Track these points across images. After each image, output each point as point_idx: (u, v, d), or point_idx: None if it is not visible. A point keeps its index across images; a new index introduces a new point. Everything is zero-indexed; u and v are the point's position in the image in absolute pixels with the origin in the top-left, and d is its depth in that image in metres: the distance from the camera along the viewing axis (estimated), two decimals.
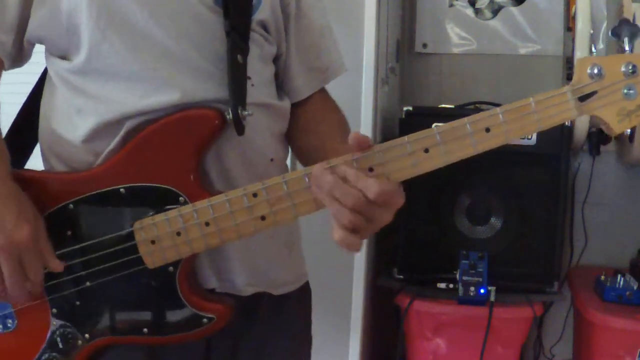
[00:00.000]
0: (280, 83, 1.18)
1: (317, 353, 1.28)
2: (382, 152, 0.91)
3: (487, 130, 0.90)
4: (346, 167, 0.90)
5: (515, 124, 0.90)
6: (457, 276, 1.98)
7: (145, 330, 1.02)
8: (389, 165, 0.91)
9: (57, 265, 1.00)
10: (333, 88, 1.23)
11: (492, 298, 1.96)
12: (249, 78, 1.06)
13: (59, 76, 1.07)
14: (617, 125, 0.89)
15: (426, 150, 0.91)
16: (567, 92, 0.90)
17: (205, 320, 1.01)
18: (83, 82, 1.03)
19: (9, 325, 1.04)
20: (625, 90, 0.89)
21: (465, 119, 0.91)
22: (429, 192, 2.10)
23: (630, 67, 0.89)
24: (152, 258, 0.99)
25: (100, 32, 1.01)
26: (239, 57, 1.04)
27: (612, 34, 0.97)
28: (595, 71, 0.89)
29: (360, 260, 2.08)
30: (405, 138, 0.92)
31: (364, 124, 2.06)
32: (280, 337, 1.15)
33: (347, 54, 1.25)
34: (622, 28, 0.98)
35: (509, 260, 2.07)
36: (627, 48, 0.98)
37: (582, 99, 0.90)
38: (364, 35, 2.06)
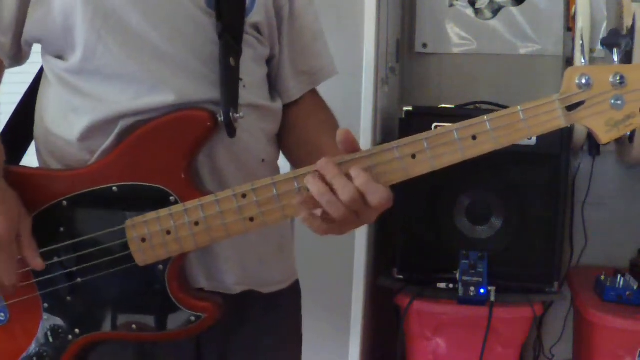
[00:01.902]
0: (273, 84, 1.19)
1: (317, 353, 1.28)
2: (369, 156, 0.93)
3: (474, 137, 0.92)
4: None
5: (503, 132, 0.91)
6: (457, 276, 1.98)
7: (134, 326, 1.03)
8: (376, 169, 0.93)
9: (38, 265, 1.00)
10: (333, 88, 1.24)
11: (492, 298, 1.96)
12: (241, 79, 1.06)
13: (54, 75, 1.07)
14: (605, 135, 0.90)
15: (413, 156, 0.92)
16: (555, 101, 0.91)
17: (193, 318, 1.02)
18: (78, 81, 1.04)
19: (0, 318, 1.05)
20: (613, 101, 0.90)
21: (453, 126, 0.92)
22: (429, 192, 2.11)
23: (618, 78, 0.89)
24: (142, 256, 1.00)
25: (95, 33, 1.02)
26: (232, 59, 1.04)
27: (602, 44, 0.98)
28: (584, 81, 0.90)
29: (360, 260, 2.08)
30: (393, 143, 0.93)
31: (363, 124, 2.06)
32: (270, 335, 1.16)
33: (347, 54, 1.25)
34: (612, 38, 0.99)
35: (509, 260, 2.07)
36: (615, 59, 0.99)
37: (571, 108, 0.91)
38: (364, 35, 2.05)
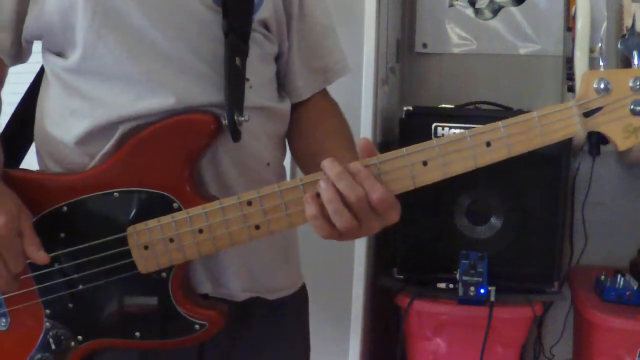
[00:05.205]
0: (282, 82, 1.16)
1: (317, 353, 1.28)
2: (379, 164, 0.90)
3: (488, 144, 0.89)
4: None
5: (518, 138, 0.88)
6: (457, 276, 1.98)
7: (137, 334, 1.01)
8: (386, 177, 0.90)
9: (42, 258, 0.97)
10: (333, 88, 1.23)
11: (492, 298, 1.96)
12: (248, 80, 1.03)
13: (54, 74, 1.05)
14: (623, 142, 0.87)
15: (424, 163, 0.90)
16: (572, 107, 0.87)
17: (197, 326, 1.00)
18: (77, 82, 1.02)
19: (2, 324, 1.04)
20: (633, 106, 0.86)
21: (466, 132, 0.89)
22: (429, 192, 2.09)
23: (638, 83, 0.86)
24: (144, 263, 0.98)
25: (94, 31, 0.99)
26: (237, 59, 1.01)
27: (620, 46, 0.95)
28: (602, 86, 0.87)
29: (360, 260, 2.08)
30: (404, 150, 0.90)
31: (364, 124, 2.06)
32: (275, 342, 1.14)
33: (347, 54, 1.24)
34: (631, 40, 0.96)
35: (509, 260, 2.07)
36: (635, 62, 0.95)
37: (588, 114, 0.88)
38: (364, 35, 2.05)
